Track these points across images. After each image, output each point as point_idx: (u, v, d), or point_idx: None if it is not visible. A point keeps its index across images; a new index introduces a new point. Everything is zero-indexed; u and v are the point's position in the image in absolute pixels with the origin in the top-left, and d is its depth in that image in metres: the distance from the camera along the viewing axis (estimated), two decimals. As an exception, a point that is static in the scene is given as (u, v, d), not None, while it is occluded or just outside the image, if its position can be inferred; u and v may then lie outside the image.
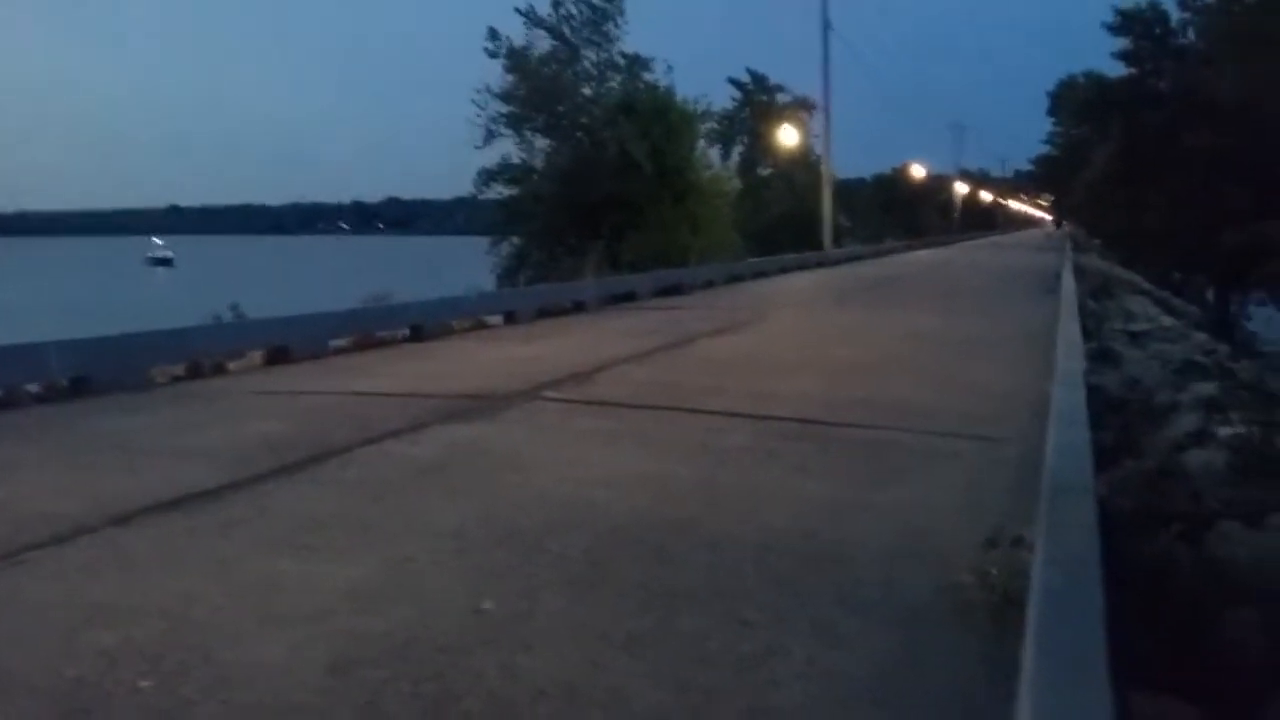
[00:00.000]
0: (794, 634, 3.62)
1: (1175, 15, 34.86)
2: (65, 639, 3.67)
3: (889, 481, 5.74)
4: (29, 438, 7.53)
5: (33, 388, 9.28)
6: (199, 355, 10.82)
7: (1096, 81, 38.83)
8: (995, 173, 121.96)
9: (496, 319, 16.03)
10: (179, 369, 10.59)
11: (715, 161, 36.33)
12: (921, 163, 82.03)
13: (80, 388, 9.36)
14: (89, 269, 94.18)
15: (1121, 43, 36.39)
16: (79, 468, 6.50)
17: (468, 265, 29.50)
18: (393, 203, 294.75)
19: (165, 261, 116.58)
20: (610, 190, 26.84)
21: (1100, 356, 10.48)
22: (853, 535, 4.73)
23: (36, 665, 3.46)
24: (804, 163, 50.02)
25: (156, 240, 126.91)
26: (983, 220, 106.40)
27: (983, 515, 4.85)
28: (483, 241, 31.29)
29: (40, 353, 9.32)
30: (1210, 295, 37.23)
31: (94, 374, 9.47)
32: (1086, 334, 11.84)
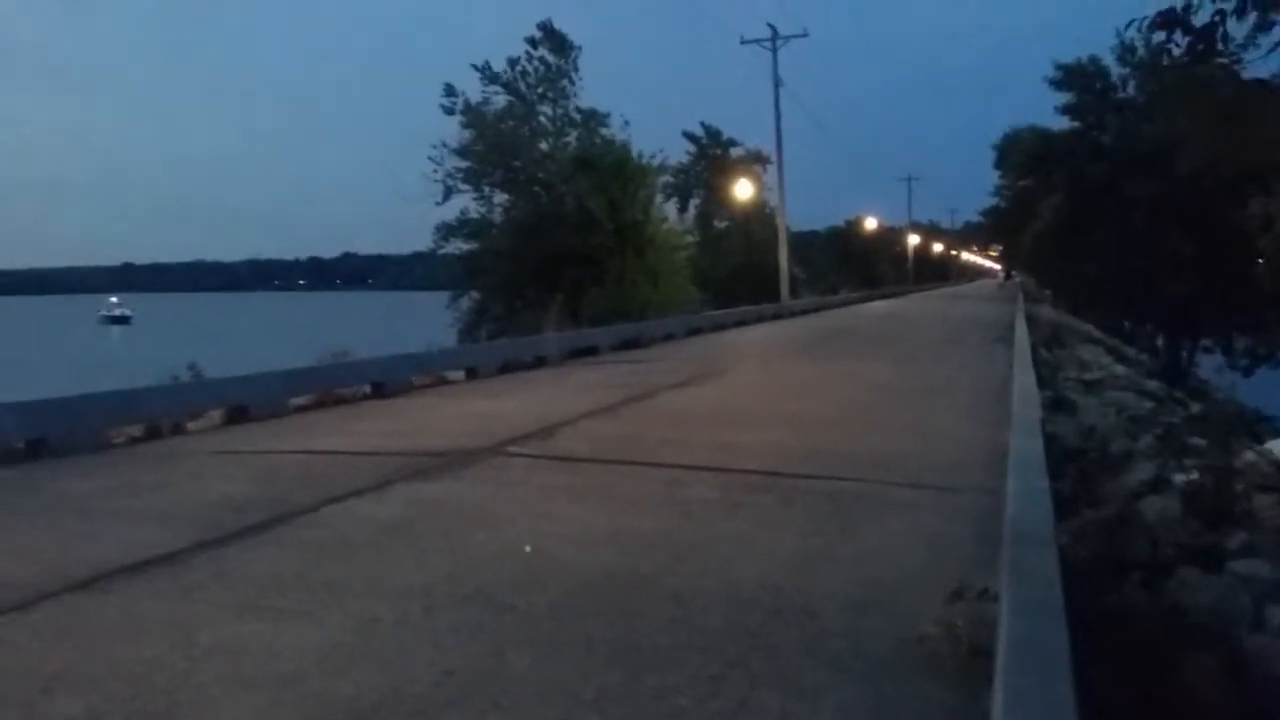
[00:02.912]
0: (764, 688, 3.64)
1: (1115, 70, 35.95)
2: (28, 707, 3.60)
3: (852, 533, 5.80)
4: (-17, 502, 7.38)
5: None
6: (157, 415, 10.69)
7: (1040, 135, 39.83)
8: (946, 224, 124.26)
9: (458, 374, 16.00)
10: (137, 430, 10.45)
11: (672, 215, 36.76)
12: (874, 214, 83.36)
13: (37, 450, 9.21)
14: (43, 327, 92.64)
15: (1065, 97, 37.44)
16: (37, 531, 6.40)
17: (427, 320, 29.43)
18: (349, 258, 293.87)
19: (122, 320, 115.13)
20: (569, 244, 27.02)
21: (1055, 405, 10.67)
22: (818, 587, 4.77)
23: (-4, 737, 3.39)
24: (759, 215, 50.59)
25: (112, 299, 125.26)
26: (936, 271, 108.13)
27: (945, 566, 4.92)
28: (442, 296, 31.29)
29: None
30: (1160, 343, 37.99)
31: (50, 436, 9.33)
32: (1041, 383, 12.04)
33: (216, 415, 11.46)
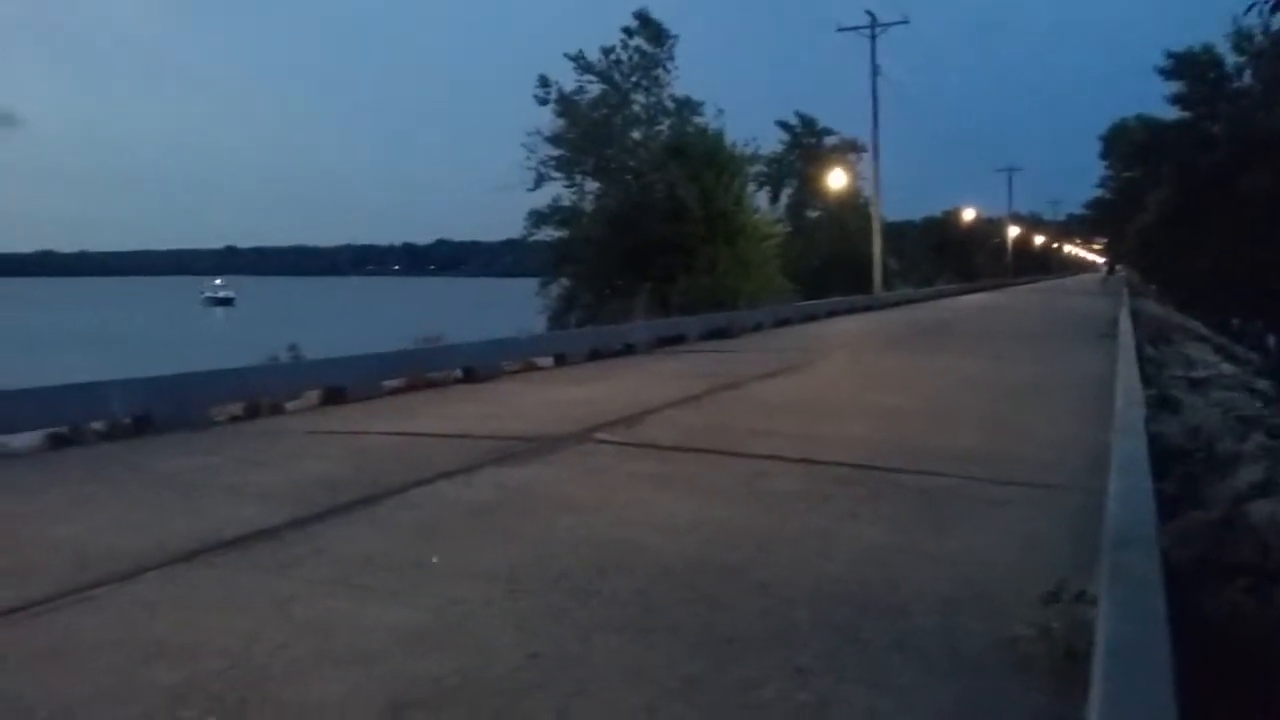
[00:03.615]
0: (851, 683, 3.58)
1: (1230, 58, 34.50)
2: (129, 675, 3.73)
3: (945, 529, 5.68)
4: (95, 475, 7.70)
5: (98, 425, 9.49)
6: (257, 395, 11.01)
7: (1148, 125, 38.48)
8: (1048, 216, 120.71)
9: (547, 361, 16.14)
10: (238, 408, 10.78)
11: (764, 204, 36.52)
12: (972, 206, 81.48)
13: (142, 426, 9.56)
14: (150, 307, 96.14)
15: (1175, 86, 36.08)
16: (143, 506, 6.63)
17: (518, 307, 29.75)
18: (443, 244, 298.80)
19: (226, 301, 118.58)
20: (659, 233, 27.01)
21: (1160, 404, 10.29)
22: (909, 583, 4.67)
23: (101, 702, 3.51)
24: (853, 205, 49.93)
25: (216, 280, 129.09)
26: (1036, 264, 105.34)
27: (1041, 566, 4.78)
28: (532, 283, 31.60)
29: (104, 391, 9.55)
30: (1272, 341, 36.43)
31: (155, 413, 9.67)
32: (1145, 380, 11.64)
33: (314, 396, 11.75)
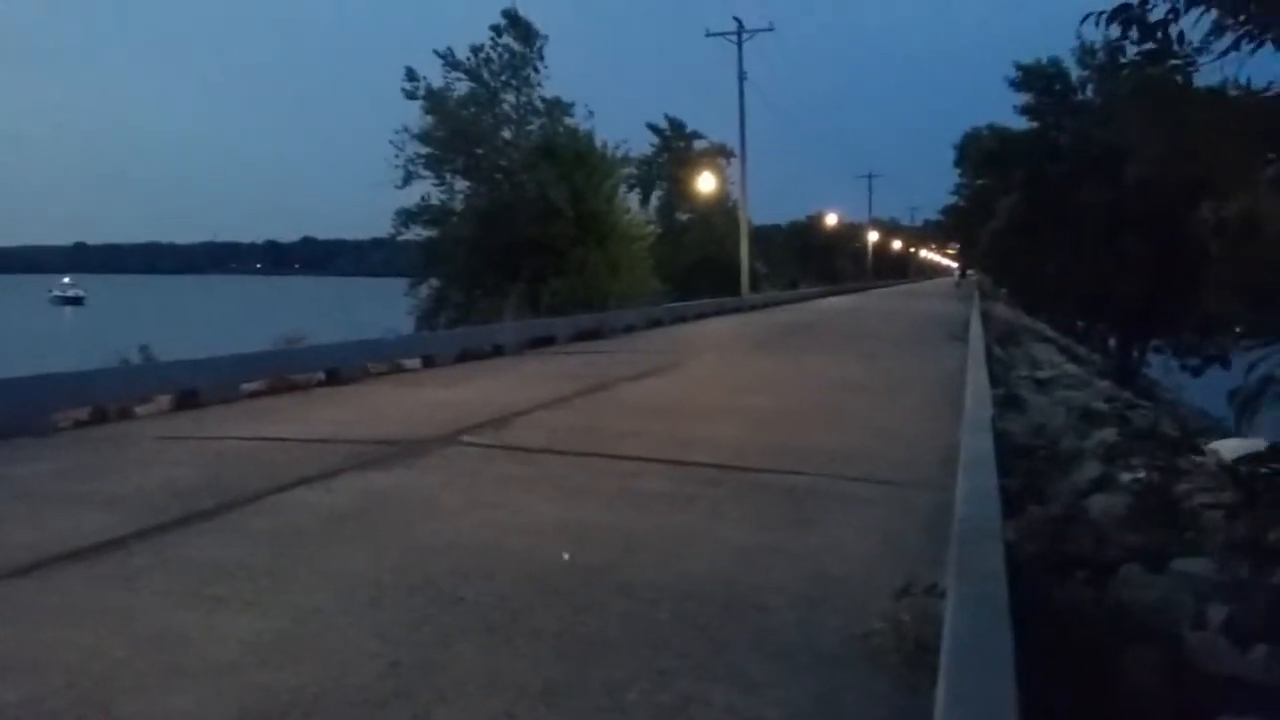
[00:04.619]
0: (712, 681, 3.63)
1: (1075, 72, 36.34)
2: (-45, 698, 3.51)
3: (804, 527, 5.82)
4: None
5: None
6: (105, 399, 10.49)
7: (999, 134, 40.17)
8: (905, 222, 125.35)
9: (415, 362, 15.87)
10: (83, 413, 10.25)
11: (635, 206, 36.74)
12: (835, 210, 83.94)
13: (-23, 432, 9.00)
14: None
15: (1024, 98, 37.79)
16: (-27, 516, 6.24)
17: (386, 307, 29.18)
18: (308, 242, 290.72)
19: (75, 300, 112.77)
20: (530, 233, 26.90)
21: (1007, 403, 10.78)
22: (768, 581, 4.77)
23: (-78, 727, 3.30)
24: (721, 208, 50.74)
25: (65, 279, 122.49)
26: (895, 268, 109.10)
27: (895, 561, 4.95)
28: (401, 283, 31.08)
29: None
30: (1112, 343, 38.54)
31: (-8, 418, 9.11)
32: (994, 380, 12.17)
33: (165, 400, 11.27)
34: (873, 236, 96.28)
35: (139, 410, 10.90)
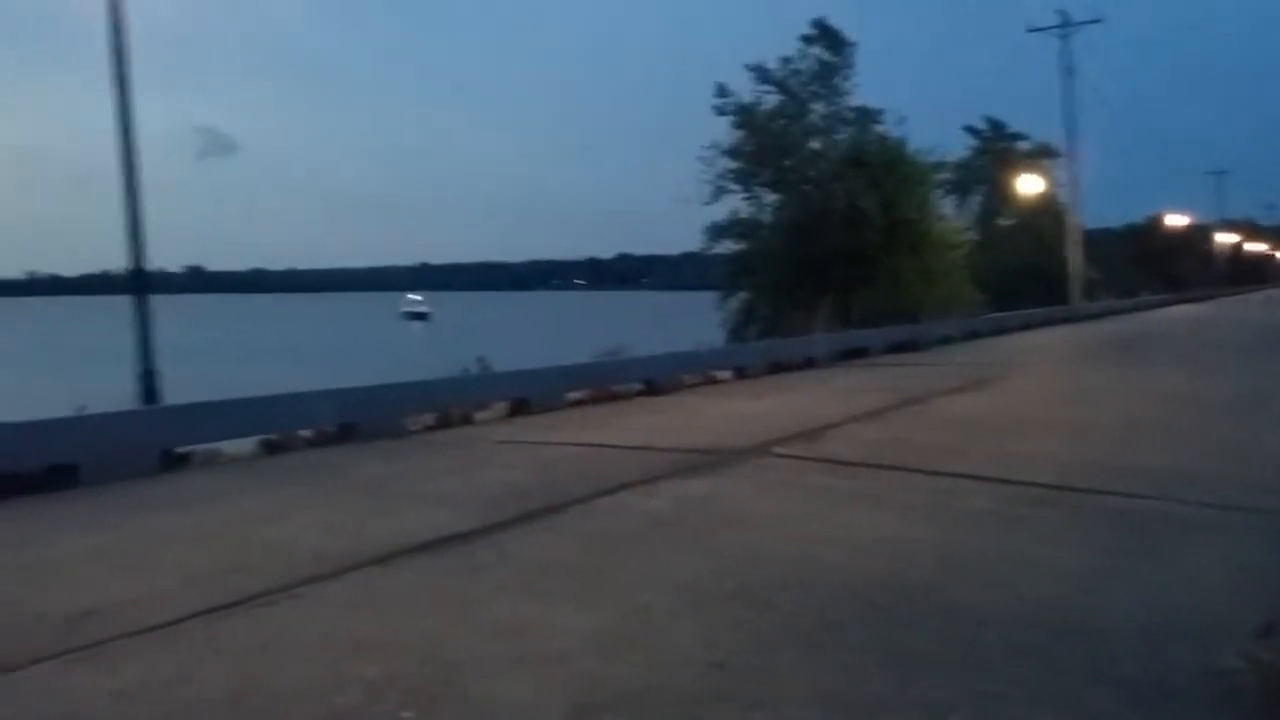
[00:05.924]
0: (1042, 710, 3.43)
1: None
2: (333, 669, 3.97)
3: (1147, 554, 5.36)
4: (303, 481, 8.25)
5: (305, 433, 10.15)
6: (449, 405, 11.51)
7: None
8: (1263, 221, 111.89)
9: (726, 374, 16.18)
10: (430, 418, 11.30)
11: (950, 212, 35.42)
12: (1177, 211, 76.49)
13: (348, 434, 10.17)
14: (352, 322, 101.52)
15: None
16: (345, 509, 7.06)
17: (697, 320, 29.90)
18: (624, 258, 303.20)
19: (421, 316, 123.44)
20: (839, 243, 26.62)
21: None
22: (1106, 609, 4.43)
23: (307, 693, 3.75)
24: (1048, 212, 47.75)
25: (413, 295, 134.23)
26: (1251, 272, 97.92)
27: (1254, 596, 4.46)
28: (712, 295, 31.69)
29: (311, 401, 10.22)
30: None
31: (359, 421, 10.26)
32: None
33: (501, 406, 12.18)
34: (1224, 237, 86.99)
35: (478, 416, 11.86)
